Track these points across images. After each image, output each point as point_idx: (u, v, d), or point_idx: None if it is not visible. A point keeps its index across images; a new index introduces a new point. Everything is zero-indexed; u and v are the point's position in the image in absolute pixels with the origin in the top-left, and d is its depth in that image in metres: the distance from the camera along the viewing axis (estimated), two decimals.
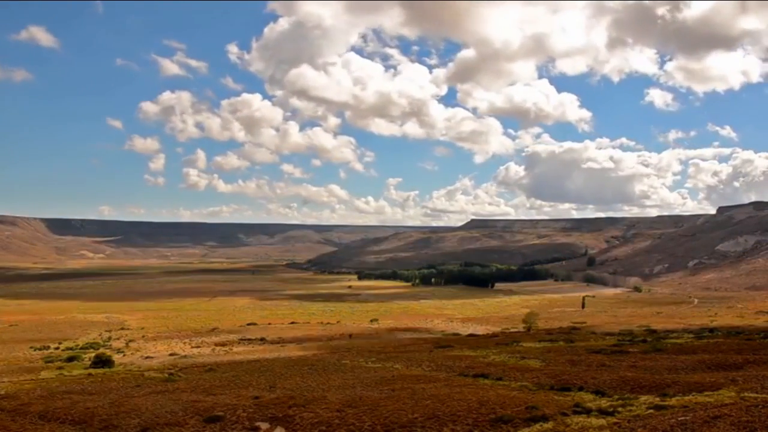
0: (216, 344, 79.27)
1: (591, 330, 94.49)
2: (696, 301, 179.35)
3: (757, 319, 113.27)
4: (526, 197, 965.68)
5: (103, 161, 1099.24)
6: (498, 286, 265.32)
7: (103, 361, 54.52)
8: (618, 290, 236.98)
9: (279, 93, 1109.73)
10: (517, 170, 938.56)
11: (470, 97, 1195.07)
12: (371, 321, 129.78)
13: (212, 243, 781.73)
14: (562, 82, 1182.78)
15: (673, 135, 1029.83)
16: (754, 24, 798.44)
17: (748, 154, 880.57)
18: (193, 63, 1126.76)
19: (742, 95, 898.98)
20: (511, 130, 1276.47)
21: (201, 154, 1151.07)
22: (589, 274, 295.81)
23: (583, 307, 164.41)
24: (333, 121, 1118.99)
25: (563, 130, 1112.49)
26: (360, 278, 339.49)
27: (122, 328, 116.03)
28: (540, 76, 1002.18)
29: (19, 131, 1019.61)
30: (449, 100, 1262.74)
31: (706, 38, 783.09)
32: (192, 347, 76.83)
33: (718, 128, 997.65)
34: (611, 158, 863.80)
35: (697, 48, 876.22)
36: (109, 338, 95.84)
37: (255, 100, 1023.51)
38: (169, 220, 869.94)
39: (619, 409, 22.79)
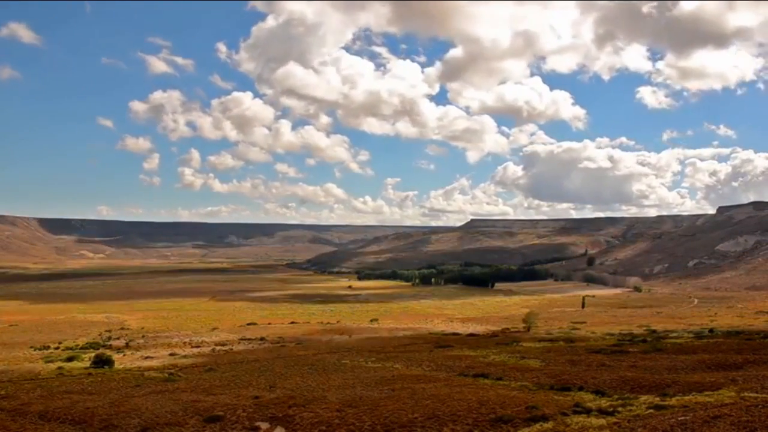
0: (216, 344, 79.18)
1: (591, 330, 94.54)
2: (696, 301, 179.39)
3: (757, 319, 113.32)
4: (524, 197, 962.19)
5: (98, 161, 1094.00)
6: (498, 286, 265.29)
7: (103, 361, 54.48)
8: (618, 290, 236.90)
9: (269, 92, 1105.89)
10: (515, 170, 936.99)
11: (461, 96, 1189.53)
12: (371, 321, 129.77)
13: (212, 243, 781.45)
14: (554, 80, 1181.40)
15: (669, 133, 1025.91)
16: (746, 21, 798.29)
17: (748, 154, 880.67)
18: (180, 60, 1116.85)
19: (738, 93, 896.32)
20: (505, 128, 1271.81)
21: (195, 154, 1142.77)
22: (589, 274, 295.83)
23: (583, 307, 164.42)
24: (324, 119, 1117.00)
25: (558, 128, 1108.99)
26: (360, 278, 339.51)
27: (122, 328, 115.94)
28: (532, 74, 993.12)
29: (9, 130, 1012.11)
30: (441, 98, 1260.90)
31: (697, 35, 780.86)
32: (192, 347, 76.77)
33: (713, 127, 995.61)
34: (611, 158, 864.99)
35: (688, 45, 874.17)
36: (109, 338, 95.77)
37: (246, 98, 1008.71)
38: (169, 220, 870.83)
39: (619, 408, 22.80)
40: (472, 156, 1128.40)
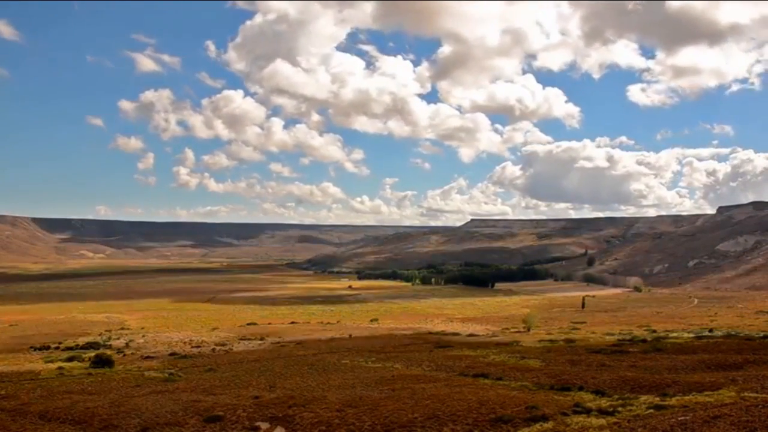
0: (216, 344, 79.21)
1: (591, 330, 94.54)
2: (696, 301, 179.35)
3: (757, 319, 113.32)
4: (521, 197, 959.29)
5: (92, 161, 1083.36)
6: (498, 286, 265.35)
7: (103, 361, 54.42)
8: (618, 290, 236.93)
9: (259, 90, 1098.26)
10: (512, 170, 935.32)
11: (451, 95, 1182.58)
12: (371, 321, 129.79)
13: (212, 243, 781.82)
14: (545, 78, 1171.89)
15: (665, 132, 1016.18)
16: (739, 17, 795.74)
17: (748, 154, 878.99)
18: (167, 58, 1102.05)
19: (733, 90, 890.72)
20: (498, 125, 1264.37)
21: (189, 153, 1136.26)
22: (589, 274, 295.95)
23: (583, 307, 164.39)
24: (316, 117, 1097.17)
25: (551, 126, 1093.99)
26: (360, 278, 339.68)
27: (122, 328, 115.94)
28: (523, 72, 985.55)
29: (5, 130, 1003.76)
30: (432, 97, 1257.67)
31: (689, 31, 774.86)
32: (192, 347, 76.79)
33: (708, 126, 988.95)
34: (610, 158, 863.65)
35: (679, 42, 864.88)
36: (109, 338, 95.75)
37: (236, 96, 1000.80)
38: (168, 219, 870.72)
39: (619, 408, 22.81)
40: (467, 154, 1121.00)
